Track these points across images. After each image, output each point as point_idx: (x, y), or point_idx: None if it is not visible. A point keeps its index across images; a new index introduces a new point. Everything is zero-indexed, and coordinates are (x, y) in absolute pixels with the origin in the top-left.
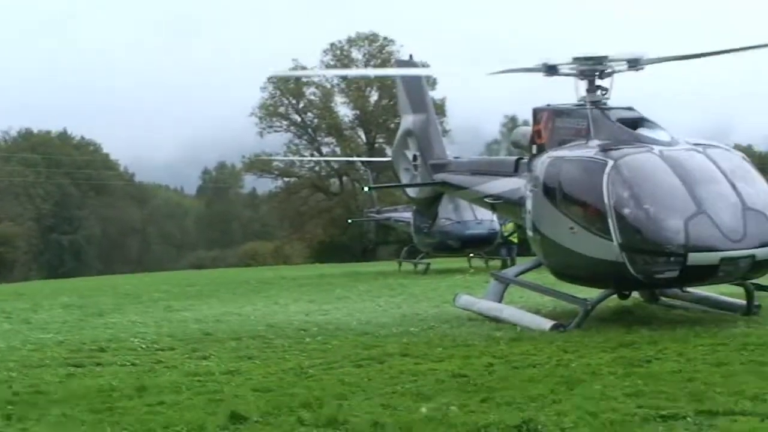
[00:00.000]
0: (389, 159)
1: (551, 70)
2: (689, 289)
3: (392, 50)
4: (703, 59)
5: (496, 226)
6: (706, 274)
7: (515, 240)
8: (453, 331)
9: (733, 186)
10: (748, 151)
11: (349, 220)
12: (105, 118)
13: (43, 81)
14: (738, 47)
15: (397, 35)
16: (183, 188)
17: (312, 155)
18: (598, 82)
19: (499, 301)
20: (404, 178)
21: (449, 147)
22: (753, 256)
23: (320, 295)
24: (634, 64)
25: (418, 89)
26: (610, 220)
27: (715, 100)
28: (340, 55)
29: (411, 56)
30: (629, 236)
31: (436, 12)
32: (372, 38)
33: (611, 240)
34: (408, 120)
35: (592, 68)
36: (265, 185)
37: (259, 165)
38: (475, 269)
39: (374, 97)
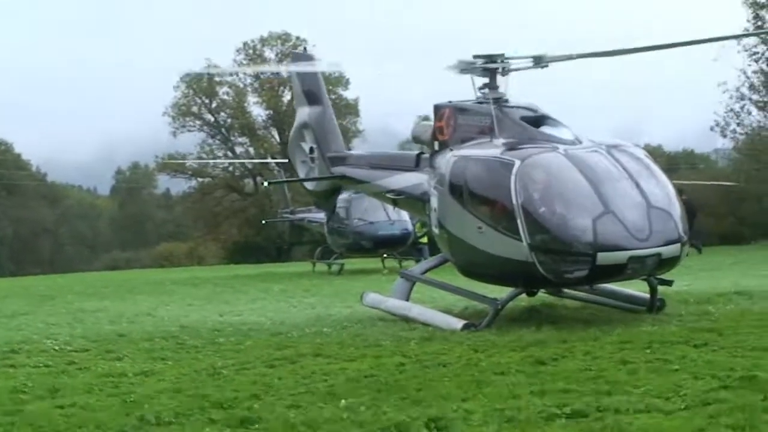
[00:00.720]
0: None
1: (463, 66)
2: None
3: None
4: (614, 57)
5: (410, 226)
6: (615, 272)
7: (425, 240)
8: (365, 331)
9: (638, 185)
10: (658, 151)
11: (264, 221)
12: (17, 117)
13: None
14: (640, 47)
15: (309, 35)
16: (96, 188)
17: (226, 155)
18: (499, 79)
19: (406, 299)
20: (301, 171)
21: (362, 146)
22: (659, 255)
23: (234, 296)
24: (539, 61)
25: (313, 81)
26: (518, 221)
27: (627, 101)
28: (252, 55)
29: (305, 48)
30: (538, 236)
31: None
32: (284, 38)
33: (520, 240)
34: (304, 112)
35: (494, 65)
36: (179, 185)
37: (173, 165)
38: (389, 270)
39: (287, 96)
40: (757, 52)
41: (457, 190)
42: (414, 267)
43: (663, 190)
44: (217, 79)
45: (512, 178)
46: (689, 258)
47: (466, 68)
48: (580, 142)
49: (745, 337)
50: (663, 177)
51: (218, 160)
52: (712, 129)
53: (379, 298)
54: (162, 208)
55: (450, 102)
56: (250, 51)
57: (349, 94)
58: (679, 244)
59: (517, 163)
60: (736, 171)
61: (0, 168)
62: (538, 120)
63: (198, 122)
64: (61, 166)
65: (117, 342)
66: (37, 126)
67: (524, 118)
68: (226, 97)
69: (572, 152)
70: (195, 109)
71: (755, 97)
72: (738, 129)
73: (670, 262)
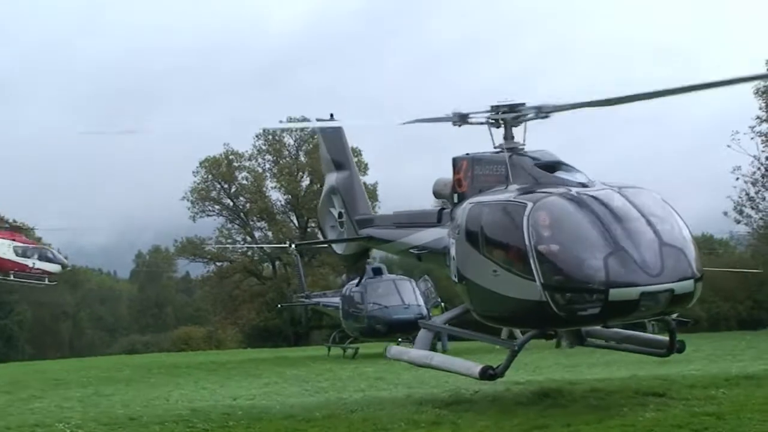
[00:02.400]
0: (318, 242)
1: (462, 119)
2: (616, 329)
3: None
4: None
5: (424, 310)
6: (628, 309)
7: None
8: (375, 414)
9: (649, 223)
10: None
11: (279, 305)
12: (38, 201)
13: None
14: (640, 93)
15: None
16: (116, 272)
17: (244, 239)
18: (513, 129)
19: (429, 349)
20: (331, 236)
21: None
22: (672, 291)
23: (248, 380)
24: (540, 110)
25: (340, 147)
26: (531, 261)
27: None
28: (272, 140)
29: (332, 115)
30: (551, 275)
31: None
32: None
33: (533, 280)
34: (332, 178)
35: (505, 116)
36: (198, 269)
37: (191, 249)
38: None
39: (306, 181)
40: None
41: (472, 235)
42: (436, 317)
43: (676, 228)
44: (235, 164)
45: (524, 219)
46: (702, 342)
47: (459, 120)
48: (594, 185)
49: (746, 422)
50: (675, 216)
51: (237, 245)
52: (726, 214)
53: (402, 349)
54: (181, 292)
55: (467, 154)
56: (269, 137)
57: (368, 179)
58: (692, 281)
59: (529, 204)
60: (755, 255)
61: None
62: (552, 166)
63: (217, 207)
64: (82, 250)
65: (128, 426)
66: (58, 210)
67: (539, 165)
68: (244, 182)
69: (583, 192)
70: (214, 194)
71: None
72: (753, 214)
73: (684, 298)
